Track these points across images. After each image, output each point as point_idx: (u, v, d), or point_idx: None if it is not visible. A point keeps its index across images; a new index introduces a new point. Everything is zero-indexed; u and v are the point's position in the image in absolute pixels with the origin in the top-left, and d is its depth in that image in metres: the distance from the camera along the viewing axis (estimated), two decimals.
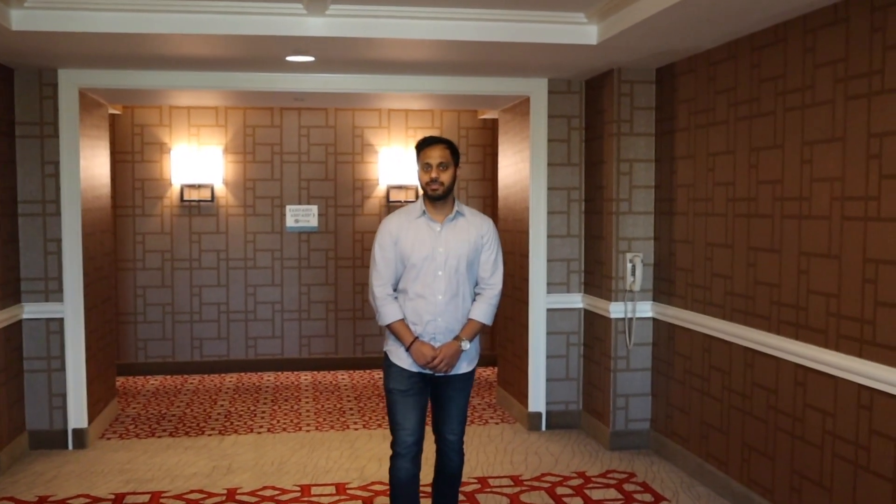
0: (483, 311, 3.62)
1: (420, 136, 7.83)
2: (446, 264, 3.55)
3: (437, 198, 3.57)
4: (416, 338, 3.55)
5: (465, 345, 3.56)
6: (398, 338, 3.59)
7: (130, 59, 5.08)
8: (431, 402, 3.70)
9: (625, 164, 5.33)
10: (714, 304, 4.59)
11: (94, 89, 5.62)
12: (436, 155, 3.57)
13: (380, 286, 3.61)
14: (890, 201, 3.23)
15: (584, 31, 4.58)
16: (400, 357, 3.60)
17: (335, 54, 4.94)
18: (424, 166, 3.58)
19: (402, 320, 3.58)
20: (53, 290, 5.41)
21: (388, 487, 4.54)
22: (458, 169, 3.64)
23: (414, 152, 3.71)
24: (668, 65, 5.12)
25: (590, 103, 5.76)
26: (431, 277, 3.55)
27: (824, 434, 3.65)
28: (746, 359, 4.27)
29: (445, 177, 3.55)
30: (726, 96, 4.45)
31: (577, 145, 5.87)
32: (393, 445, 3.61)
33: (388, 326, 3.61)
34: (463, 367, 3.63)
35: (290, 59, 5.07)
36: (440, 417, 3.70)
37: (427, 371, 3.57)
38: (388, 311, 3.60)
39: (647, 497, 4.53)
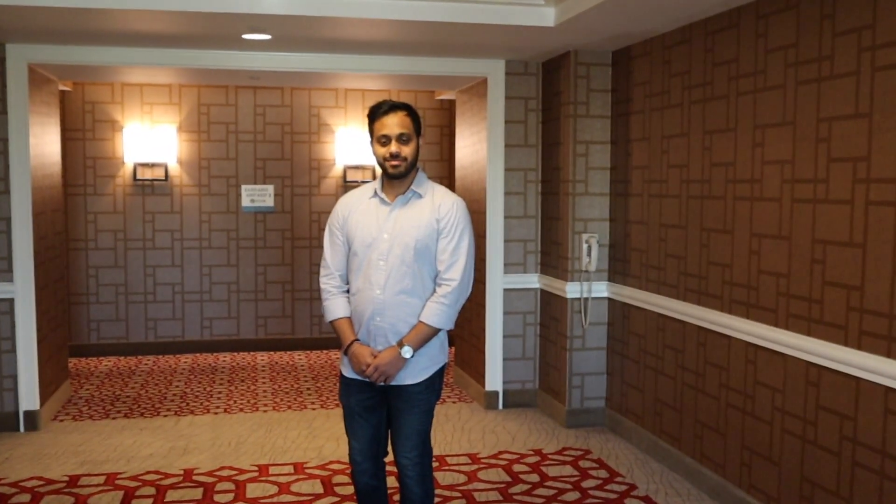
0: (433, 313, 3.02)
1: None
2: (390, 253, 3.02)
3: (398, 176, 3.04)
4: (356, 339, 3.09)
5: (407, 352, 3.00)
6: (339, 337, 3.13)
7: (82, 34, 4.97)
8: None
9: (581, 146, 5.38)
10: (668, 284, 4.69)
11: (43, 65, 5.50)
12: (395, 124, 2.99)
13: (325, 277, 3.17)
14: (837, 184, 3.33)
15: (541, 13, 4.60)
16: (344, 363, 3.17)
17: (292, 33, 4.89)
18: (380, 139, 3.02)
19: (347, 318, 3.12)
20: (3, 270, 5.30)
21: (346, 466, 4.57)
22: (421, 139, 3.11)
23: (367, 122, 3.12)
24: (625, 48, 5.17)
25: (547, 85, 5.80)
26: (373, 268, 3.04)
27: (773, 410, 3.76)
28: (699, 338, 4.37)
29: (408, 150, 3.01)
30: (680, 80, 4.52)
31: (534, 127, 5.91)
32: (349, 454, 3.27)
33: (331, 324, 3.16)
34: (406, 379, 3.07)
35: (246, 37, 5.01)
36: (392, 434, 3.19)
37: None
38: (331, 307, 3.14)
39: (603, 473, 4.63)
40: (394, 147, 3.00)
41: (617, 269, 5.33)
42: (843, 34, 3.28)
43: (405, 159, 3.01)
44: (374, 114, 3.05)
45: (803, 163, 3.53)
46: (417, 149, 3.06)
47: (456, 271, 3.05)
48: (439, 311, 3.04)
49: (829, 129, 3.36)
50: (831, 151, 3.36)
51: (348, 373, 3.17)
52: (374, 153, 3.07)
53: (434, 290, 3.09)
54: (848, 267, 3.28)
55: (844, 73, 3.27)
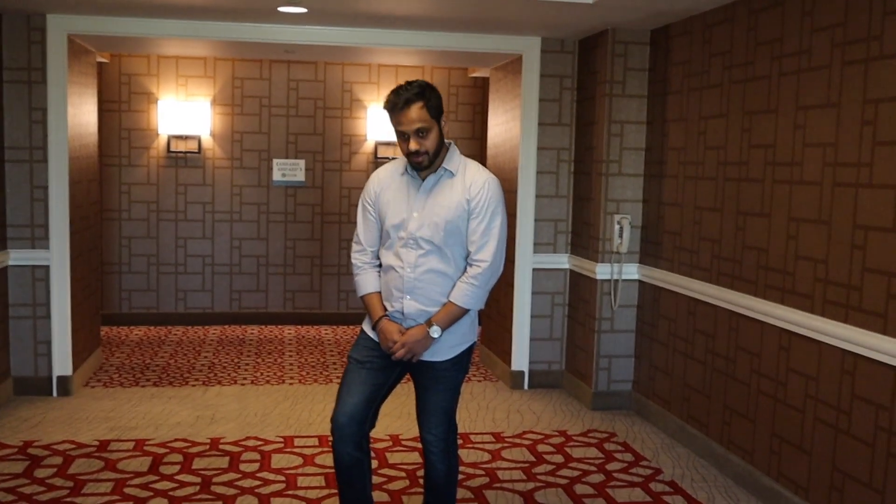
0: (463, 293, 2.98)
1: None
2: (419, 232, 2.98)
3: (423, 168, 2.98)
4: (386, 315, 3.07)
5: (435, 331, 2.97)
6: (368, 312, 3.14)
7: (120, 5, 4.98)
8: (414, 389, 3.22)
9: (616, 126, 5.31)
10: (701, 268, 4.62)
11: (82, 35, 5.53)
12: (411, 119, 2.87)
13: (357, 252, 3.16)
14: (882, 168, 3.25)
15: None
16: (370, 326, 3.16)
17: (327, 6, 4.87)
18: (400, 135, 2.93)
19: (377, 293, 3.11)
20: (39, 238, 5.37)
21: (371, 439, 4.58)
22: (445, 118, 2.97)
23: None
24: (664, 26, 5.08)
25: (583, 63, 5.72)
26: (403, 247, 3.01)
27: (806, 398, 3.70)
28: (731, 322, 4.31)
29: (429, 143, 2.91)
30: (721, 59, 4.43)
31: (569, 105, 5.84)
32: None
33: (361, 299, 3.15)
34: (435, 356, 3.05)
35: (282, 9, 4.99)
36: (418, 410, 3.17)
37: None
38: (362, 282, 3.13)
39: (628, 457, 4.59)
40: (412, 144, 2.91)
41: (649, 252, 5.27)
42: (893, 13, 3.19)
43: (426, 153, 2.93)
44: (391, 110, 2.92)
45: (847, 146, 3.44)
46: (440, 134, 2.95)
47: (487, 252, 2.99)
48: (469, 292, 3.00)
49: (876, 112, 3.28)
50: (877, 134, 3.27)
51: (371, 332, 3.14)
52: (399, 145, 2.99)
53: (465, 270, 3.04)
54: (890, 254, 3.20)
55: (894, 54, 3.18)
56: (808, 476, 3.69)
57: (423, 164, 2.96)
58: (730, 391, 4.33)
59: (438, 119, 2.93)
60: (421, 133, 2.90)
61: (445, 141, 3.04)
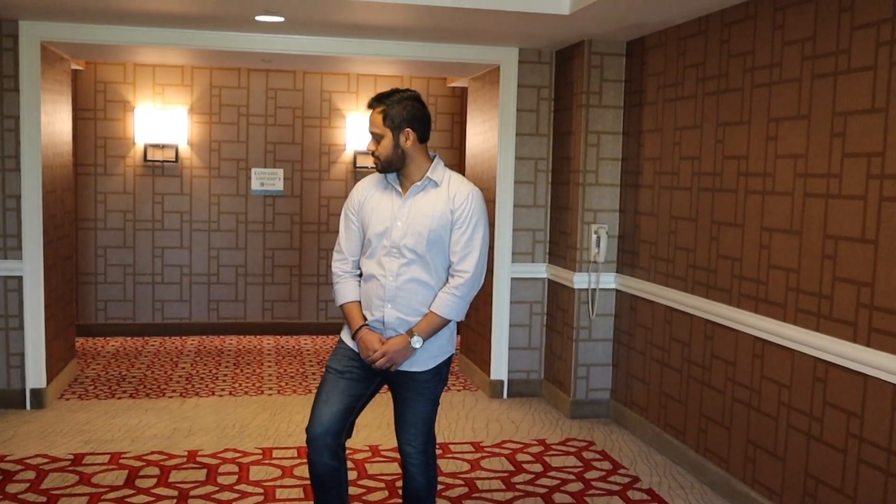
0: (444, 303, 3.00)
1: None
2: (403, 241, 3.00)
3: (380, 171, 3.08)
4: (366, 324, 3.07)
5: (416, 342, 2.98)
6: (347, 322, 3.14)
7: (95, 12, 4.96)
8: (392, 400, 3.22)
9: (593, 136, 5.35)
10: (676, 277, 4.66)
11: (56, 43, 5.49)
12: (371, 121, 3.03)
13: (339, 261, 3.17)
14: (851, 179, 3.30)
15: (556, 1, 4.56)
16: (346, 332, 3.17)
17: (305, 15, 4.88)
18: None
19: (357, 302, 3.11)
20: (12, 248, 5.32)
21: (350, 450, 4.57)
22: (408, 132, 2.99)
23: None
24: (639, 38, 5.13)
25: (560, 74, 5.77)
26: (386, 256, 3.03)
27: (780, 405, 3.74)
28: (706, 331, 4.35)
29: (380, 149, 3.01)
30: (695, 71, 4.48)
31: (546, 116, 5.88)
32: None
33: (341, 308, 3.15)
34: (414, 367, 3.05)
35: (259, 18, 4.99)
36: (397, 421, 3.16)
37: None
38: (342, 291, 3.14)
39: (606, 465, 4.62)
40: (370, 144, 3.06)
41: (625, 261, 5.31)
42: (861, 28, 3.25)
43: (377, 157, 3.03)
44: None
45: (817, 157, 3.50)
46: (395, 144, 3.00)
47: (469, 263, 3.01)
48: (451, 303, 3.01)
49: (844, 124, 3.33)
50: (846, 146, 3.32)
51: (350, 343, 3.13)
52: None
53: (447, 281, 3.06)
54: (859, 263, 3.25)
55: (861, 68, 3.24)
56: (782, 482, 3.72)
57: (378, 168, 3.07)
58: (705, 399, 4.37)
59: (395, 131, 2.99)
60: (375, 137, 3.03)
61: (430, 153, 3.09)
